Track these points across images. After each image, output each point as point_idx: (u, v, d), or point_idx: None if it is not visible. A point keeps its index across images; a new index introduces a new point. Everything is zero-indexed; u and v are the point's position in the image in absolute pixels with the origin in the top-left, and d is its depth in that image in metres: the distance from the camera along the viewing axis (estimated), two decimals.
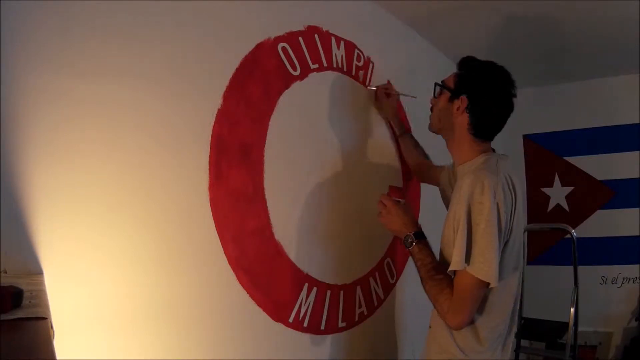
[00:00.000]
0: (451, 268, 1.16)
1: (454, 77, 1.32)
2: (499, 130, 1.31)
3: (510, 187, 1.18)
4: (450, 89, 1.31)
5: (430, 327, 1.33)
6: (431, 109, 1.38)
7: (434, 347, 1.29)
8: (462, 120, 1.28)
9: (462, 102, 1.27)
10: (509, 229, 1.17)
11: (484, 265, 1.11)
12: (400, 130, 1.85)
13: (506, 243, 1.18)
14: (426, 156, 1.82)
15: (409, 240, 1.28)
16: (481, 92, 1.26)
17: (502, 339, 1.25)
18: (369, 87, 1.81)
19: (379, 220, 1.38)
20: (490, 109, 1.26)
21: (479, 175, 1.15)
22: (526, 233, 2.95)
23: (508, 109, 1.28)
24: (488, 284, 1.13)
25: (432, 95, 1.38)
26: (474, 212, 1.14)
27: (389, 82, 1.83)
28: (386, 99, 1.78)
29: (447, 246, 1.21)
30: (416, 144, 1.83)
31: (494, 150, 1.33)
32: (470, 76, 1.29)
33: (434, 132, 1.39)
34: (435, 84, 1.37)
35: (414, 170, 1.89)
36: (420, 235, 1.29)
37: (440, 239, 1.27)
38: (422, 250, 1.26)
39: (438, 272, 1.21)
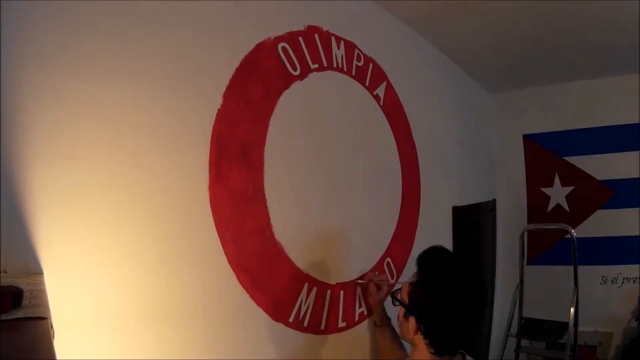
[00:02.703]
0: None
1: (408, 287, 1.20)
2: (466, 339, 1.18)
3: None
4: (404, 305, 1.20)
5: None
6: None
7: None
8: (418, 339, 1.18)
9: (411, 323, 1.17)
10: None
11: None
12: (382, 321, 1.66)
13: None
14: (402, 348, 1.57)
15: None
16: (431, 312, 1.13)
17: None
18: (357, 282, 1.66)
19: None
20: (445, 326, 1.13)
21: None
22: (526, 233, 2.95)
23: (470, 315, 1.14)
24: None
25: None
26: None
27: (378, 273, 1.72)
28: (376, 291, 1.64)
29: None
30: (394, 336, 1.62)
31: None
32: (421, 291, 1.16)
33: None
34: (390, 294, 1.27)
35: None
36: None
37: None
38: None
39: None
